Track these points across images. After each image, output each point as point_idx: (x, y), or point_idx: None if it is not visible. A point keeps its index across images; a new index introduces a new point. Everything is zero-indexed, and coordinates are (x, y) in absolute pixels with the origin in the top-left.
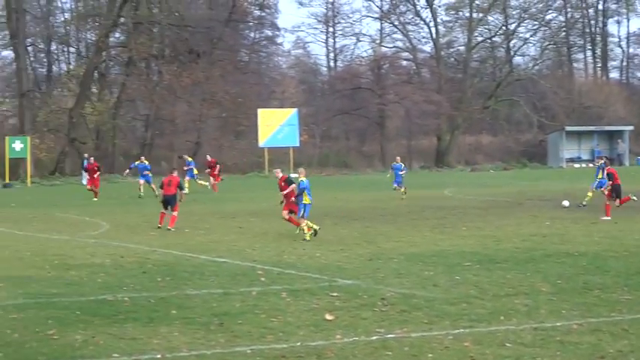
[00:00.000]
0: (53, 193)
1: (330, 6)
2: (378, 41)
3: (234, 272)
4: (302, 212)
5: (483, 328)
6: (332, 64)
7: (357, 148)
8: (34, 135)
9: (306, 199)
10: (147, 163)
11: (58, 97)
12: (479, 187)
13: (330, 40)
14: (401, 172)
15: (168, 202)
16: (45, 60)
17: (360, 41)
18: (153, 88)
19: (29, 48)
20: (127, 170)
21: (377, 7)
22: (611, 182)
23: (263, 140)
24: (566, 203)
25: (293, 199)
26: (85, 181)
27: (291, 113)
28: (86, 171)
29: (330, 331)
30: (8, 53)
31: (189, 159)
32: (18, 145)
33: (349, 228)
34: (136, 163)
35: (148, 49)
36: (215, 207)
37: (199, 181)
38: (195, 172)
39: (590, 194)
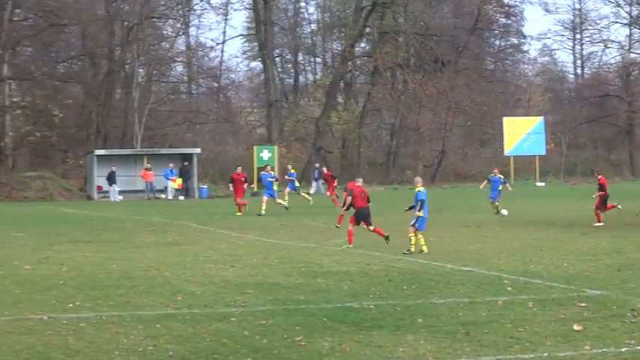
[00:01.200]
0: (299, 201)
1: (577, 13)
2: (626, 47)
3: (480, 281)
4: (414, 223)
5: None
6: (579, 71)
7: (605, 157)
8: (281, 144)
9: (419, 212)
10: (273, 172)
11: (304, 106)
12: None
13: (577, 47)
14: (500, 187)
15: (364, 216)
16: (292, 70)
17: (608, 48)
18: (398, 97)
19: (277, 59)
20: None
21: (626, 12)
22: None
23: (509, 149)
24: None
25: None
26: (313, 191)
27: (537, 121)
28: (232, 181)
29: (579, 341)
30: (257, 64)
31: (292, 171)
32: (266, 154)
33: (597, 238)
34: (262, 173)
35: (394, 58)
36: (461, 216)
37: (302, 193)
38: (297, 184)
39: None
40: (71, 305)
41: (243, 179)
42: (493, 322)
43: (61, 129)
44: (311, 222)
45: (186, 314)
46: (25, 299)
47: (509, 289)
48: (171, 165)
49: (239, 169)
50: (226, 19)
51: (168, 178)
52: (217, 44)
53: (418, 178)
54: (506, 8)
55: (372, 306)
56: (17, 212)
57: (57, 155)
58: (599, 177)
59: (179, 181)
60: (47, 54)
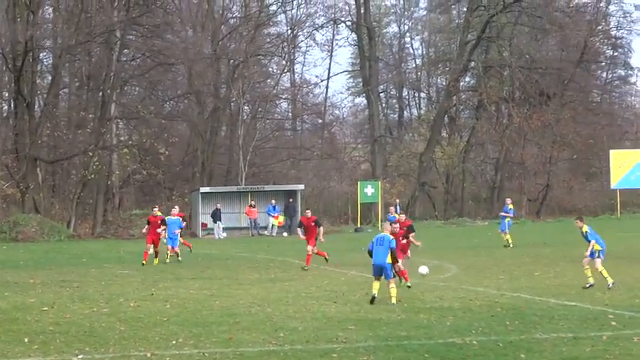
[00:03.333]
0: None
1: None
2: None
3: (585, 316)
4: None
5: None
6: None
7: None
8: (385, 179)
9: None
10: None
11: (408, 141)
12: None
13: None
14: (506, 217)
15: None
16: (396, 105)
17: None
18: (503, 131)
19: (381, 94)
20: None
21: None
22: None
23: (615, 182)
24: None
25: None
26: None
27: None
28: (148, 223)
29: None
30: (361, 100)
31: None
32: (369, 190)
33: None
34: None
35: (498, 92)
36: (566, 250)
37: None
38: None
39: None
40: (174, 342)
41: (160, 222)
42: (597, 358)
43: (167, 167)
44: (413, 258)
45: (287, 351)
46: (129, 336)
47: (614, 323)
48: (273, 201)
49: (156, 210)
50: (331, 56)
51: (270, 215)
52: (322, 80)
53: (386, 224)
54: (613, 40)
55: (475, 342)
56: (123, 250)
57: (162, 193)
58: None
59: (281, 218)
60: (154, 93)
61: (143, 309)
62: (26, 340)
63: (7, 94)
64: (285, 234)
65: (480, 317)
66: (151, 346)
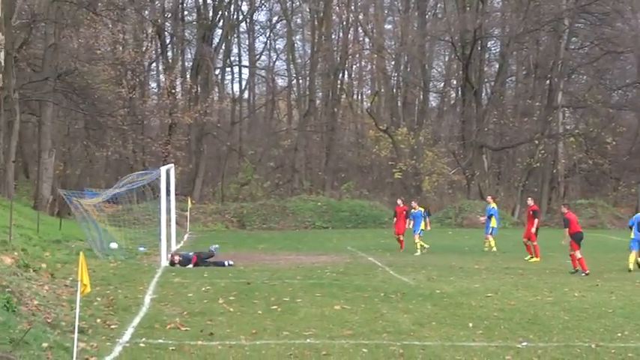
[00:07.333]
0: None
1: None
2: None
3: None
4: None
5: None
6: None
7: None
8: None
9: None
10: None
11: None
12: None
13: None
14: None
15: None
16: None
17: None
18: None
19: None
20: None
21: None
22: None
23: None
24: None
25: None
26: None
27: None
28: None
29: None
30: None
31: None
32: None
33: None
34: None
35: None
36: None
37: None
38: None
39: None
40: (619, 334)
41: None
42: None
43: (614, 157)
44: None
45: None
46: (573, 326)
47: None
48: None
49: (399, 202)
50: None
51: None
52: None
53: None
54: None
55: None
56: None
57: (608, 183)
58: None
59: None
60: (602, 82)
61: (587, 299)
62: (470, 324)
63: (455, 82)
64: None
65: None
66: (596, 338)
